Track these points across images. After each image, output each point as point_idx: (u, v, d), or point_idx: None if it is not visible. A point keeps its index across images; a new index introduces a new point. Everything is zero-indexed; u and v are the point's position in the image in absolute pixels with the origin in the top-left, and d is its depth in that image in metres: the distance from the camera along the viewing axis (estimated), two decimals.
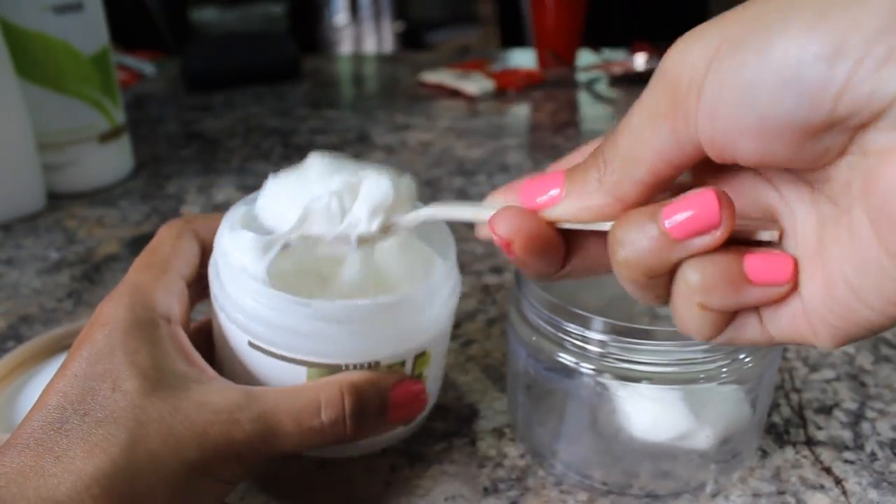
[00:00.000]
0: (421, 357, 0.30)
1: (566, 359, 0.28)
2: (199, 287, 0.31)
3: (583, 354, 0.28)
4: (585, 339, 0.27)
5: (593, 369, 0.28)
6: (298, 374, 0.28)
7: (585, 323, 0.27)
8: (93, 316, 0.28)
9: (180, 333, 0.28)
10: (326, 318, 0.27)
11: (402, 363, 0.29)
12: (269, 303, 0.27)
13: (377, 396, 0.27)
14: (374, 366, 0.28)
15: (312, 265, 0.32)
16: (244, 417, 0.25)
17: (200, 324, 0.34)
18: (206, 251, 0.31)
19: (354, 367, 0.28)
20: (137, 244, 0.55)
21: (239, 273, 0.28)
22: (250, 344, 0.28)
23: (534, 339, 0.29)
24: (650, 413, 0.28)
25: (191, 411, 0.24)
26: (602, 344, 0.27)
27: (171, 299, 0.28)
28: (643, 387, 0.27)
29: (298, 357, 0.28)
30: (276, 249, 0.28)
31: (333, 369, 0.28)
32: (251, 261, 0.27)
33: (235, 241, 0.28)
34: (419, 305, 0.28)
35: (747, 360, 0.27)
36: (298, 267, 0.32)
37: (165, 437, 0.23)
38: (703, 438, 0.28)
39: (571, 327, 0.28)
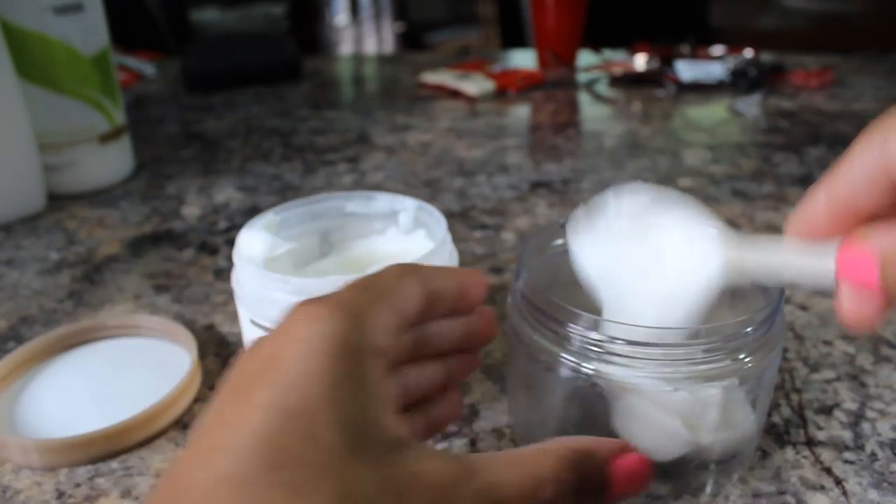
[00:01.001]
0: None
1: (566, 359, 0.28)
2: (411, 343, 0.26)
3: (583, 354, 0.28)
4: (585, 339, 0.27)
5: (593, 369, 0.28)
6: None
7: (585, 323, 0.27)
8: (283, 323, 0.22)
9: (388, 376, 0.23)
10: (304, 293, 0.30)
11: None
12: (261, 282, 0.32)
13: (598, 469, 0.23)
14: None
15: (351, 266, 0.38)
16: (462, 495, 0.20)
17: None
18: (429, 303, 0.26)
19: None
20: (138, 245, 0.55)
21: (245, 261, 0.33)
22: (251, 322, 0.33)
23: (534, 338, 0.29)
24: (651, 430, 0.28)
25: (403, 487, 0.20)
26: (602, 344, 0.27)
27: (387, 329, 0.23)
28: (643, 389, 0.27)
29: None
30: (282, 249, 0.34)
31: None
32: (256, 252, 0.34)
33: (249, 236, 0.34)
34: None
35: (747, 360, 0.27)
36: (339, 268, 0.38)
37: None
38: (704, 438, 0.28)
39: (571, 327, 0.27)
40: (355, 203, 0.39)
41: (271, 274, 0.31)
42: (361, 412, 0.21)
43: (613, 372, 0.27)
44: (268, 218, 0.37)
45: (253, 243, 0.34)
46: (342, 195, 0.39)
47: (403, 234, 0.39)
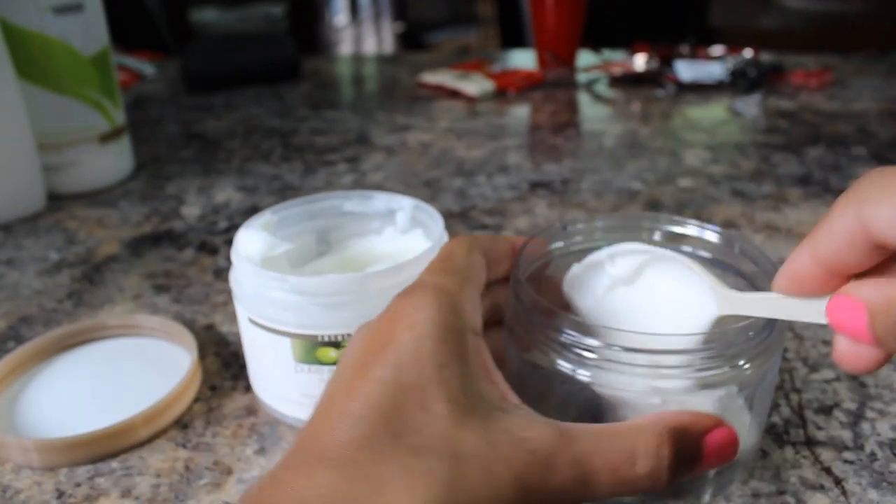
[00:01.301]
0: None
1: (562, 365, 0.27)
2: (490, 308, 0.30)
3: (579, 361, 0.27)
4: (581, 346, 0.27)
5: (589, 376, 0.27)
6: (285, 346, 0.32)
7: (582, 329, 0.27)
8: (390, 311, 0.25)
9: (485, 349, 0.26)
10: (300, 292, 0.31)
11: None
12: (259, 281, 0.32)
13: (693, 443, 0.25)
14: (347, 338, 0.31)
15: (349, 265, 0.38)
16: (561, 461, 0.22)
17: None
18: (490, 266, 0.29)
19: (330, 339, 0.31)
20: (137, 245, 0.55)
21: (243, 260, 0.33)
22: (249, 320, 0.33)
23: (529, 343, 0.29)
24: None
25: (508, 449, 0.22)
26: (597, 350, 0.27)
27: (475, 309, 0.26)
28: (640, 395, 0.27)
29: (281, 329, 0.32)
30: (279, 249, 0.34)
31: (312, 340, 0.31)
32: (254, 251, 0.34)
33: (248, 235, 0.34)
34: (392, 283, 0.31)
35: (746, 366, 0.27)
36: (336, 267, 0.38)
37: (485, 478, 0.21)
38: None
39: (567, 333, 0.27)
40: (353, 202, 0.39)
41: (269, 272, 0.31)
42: (466, 386, 0.23)
43: (609, 379, 0.27)
44: (265, 217, 0.37)
45: (251, 242, 0.34)
46: (340, 194, 0.39)
47: (401, 234, 0.39)
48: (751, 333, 0.27)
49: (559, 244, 0.34)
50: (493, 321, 0.30)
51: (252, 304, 0.33)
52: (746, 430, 0.29)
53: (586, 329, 0.27)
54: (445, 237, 0.36)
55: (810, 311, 0.24)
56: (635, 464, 0.23)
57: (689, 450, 0.24)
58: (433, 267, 0.27)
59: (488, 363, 0.25)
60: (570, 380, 0.27)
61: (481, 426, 0.22)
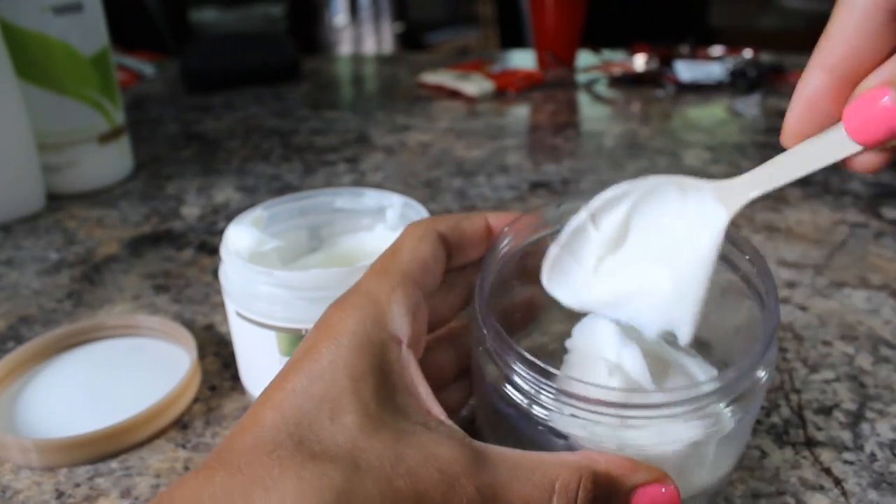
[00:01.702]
0: None
1: (517, 396, 0.25)
2: (452, 294, 0.30)
3: (535, 399, 0.25)
4: (539, 388, 0.24)
5: (544, 416, 0.24)
6: (270, 339, 0.33)
7: (539, 372, 0.24)
8: (320, 320, 0.25)
9: (409, 360, 0.25)
10: (286, 286, 0.31)
11: None
12: (246, 275, 0.32)
13: (617, 495, 0.23)
14: None
15: (339, 261, 0.38)
16: (468, 485, 0.21)
17: (449, 331, 0.31)
18: (453, 252, 0.29)
19: None
20: (137, 245, 0.55)
21: (232, 255, 0.33)
22: (237, 314, 0.33)
23: (489, 369, 0.26)
24: None
25: (415, 464, 0.21)
26: (554, 395, 0.24)
27: (405, 316, 0.25)
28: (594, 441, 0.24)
29: (267, 322, 0.32)
30: (269, 245, 0.35)
31: (296, 334, 0.32)
32: (243, 246, 0.34)
33: (237, 232, 0.35)
34: None
35: (713, 424, 0.24)
36: (326, 264, 0.38)
37: (384, 491, 0.21)
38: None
39: (523, 375, 0.25)
40: (343, 199, 0.40)
41: (255, 267, 0.32)
42: (383, 399, 0.23)
43: (563, 423, 0.24)
44: (256, 213, 0.37)
45: (240, 238, 0.35)
46: (331, 191, 0.40)
47: (391, 231, 0.39)
48: (716, 387, 0.23)
49: (544, 232, 0.30)
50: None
51: (239, 297, 0.33)
52: (709, 465, 0.26)
53: (543, 372, 0.24)
54: None
55: (831, 146, 0.22)
56: (549, 500, 0.22)
57: (611, 501, 0.23)
58: (375, 265, 0.27)
59: (412, 376, 0.24)
60: (523, 412, 0.25)
61: (391, 438, 0.22)
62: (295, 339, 0.32)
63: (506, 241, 0.30)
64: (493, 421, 0.28)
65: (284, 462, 0.21)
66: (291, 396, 0.22)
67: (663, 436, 0.24)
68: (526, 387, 0.25)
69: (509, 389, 0.25)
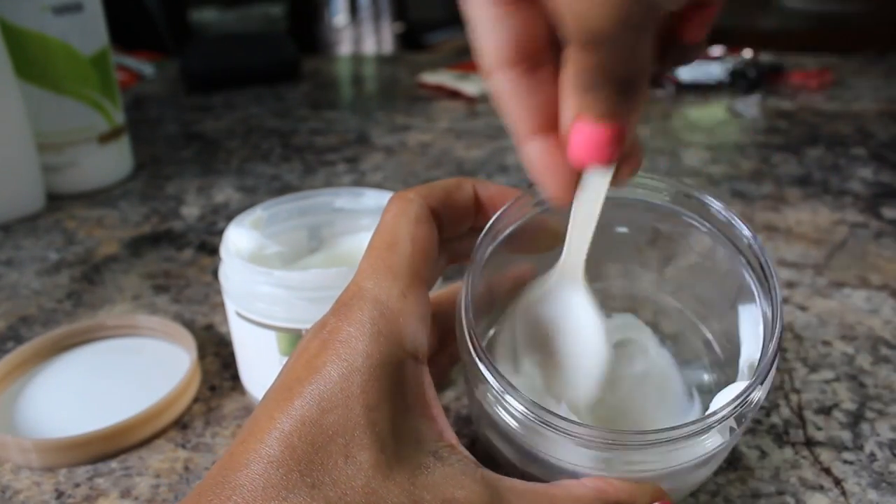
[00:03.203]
0: None
1: (500, 413, 0.25)
2: (436, 265, 0.26)
3: (514, 418, 0.24)
4: (518, 410, 0.24)
5: (524, 436, 0.24)
6: (270, 339, 0.33)
7: (517, 396, 0.24)
8: (324, 333, 0.23)
9: (424, 376, 0.23)
10: (285, 286, 0.31)
11: None
12: (246, 275, 0.32)
13: None
14: None
15: (340, 262, 0.38)
16: None
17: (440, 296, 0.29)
18: (443, 226, 0.26)
19: None
20: (137, 245, 0.55)
21: (232, 255, 0.33)
22: (237, 314, 0.34)
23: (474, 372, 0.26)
24: None
25: None
26: (537, 419, 0.23)
27: (419, 327, 0.23)
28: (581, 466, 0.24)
29: (267, 322, 0.32)
30: (270, 250, 0.35)
31: (295, 334, 0.32)
32: (243, 246, 0.35)
33: (238, 234, 0.35)
34: None
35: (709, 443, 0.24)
36: (326, 264, 0.38)
37: None
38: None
39: (501, 396, 0.24)
40: (343, 199, 0.40)
41: (255, 267, 0.32)
42: (398, 426, 0.21)
43: (546, 447, 0.24)
44: (256, 213, 0.37)
45: (240, 239, 0.35)
46: (330, 191, 0.40)
47: None
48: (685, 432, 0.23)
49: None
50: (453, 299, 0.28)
51: (239, 297, 0.33)
52: (700, 473, 0.27)
53: (521, 397, 0.24)
54: None
55: (594, 187, 0.24)
56: None
57: None
58: (375, 263, 0.24)
59: (427, 395, 0.23)
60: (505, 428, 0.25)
61: (408, 480, 0.20)
62: (294, 339, 0.32)
63: (488, 249, 0.29)
64: (489, 430, 0.28)
65: None
66: (302, 428, 0.20)
67: (664, 462, 0.24)
68: (519, 418, 0.24)
69: (502, 414, 0.25)
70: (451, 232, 0.27)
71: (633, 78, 0.20)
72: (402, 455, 0.21)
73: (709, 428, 0.23)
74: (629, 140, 0.22)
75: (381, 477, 0.20)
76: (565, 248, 0.26)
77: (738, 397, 0.24)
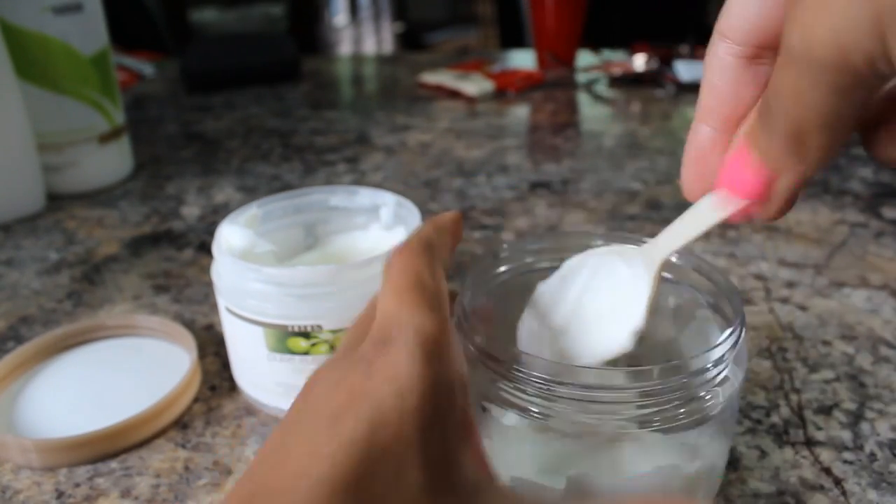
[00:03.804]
0: None
1: (512, 401, 0.25)
2: None
3: (530, 400, 0.25)
4: (534, 383, 0.24)
5: (543, 412, 0.25)
6: (257, 334, 0.33)
7: (533, 366, 0.25)
8: (363, 361, 0.21)
9: (470, 407, 0.23)
10: (273, 282, 0.32)
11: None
12: (235, 271, 0.33)
13: None
14: (316, 329, 0.32)
15: (334, 260, 0.39)
16: None
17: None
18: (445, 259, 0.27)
19: (300, 329, 0.32)
20: (137, 245, 0.55)
21: (224, 252, 0.34)
22: (227, 309, 0.34)
23: (477, 379, 0.26)
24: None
25: None
26: (553, 388, 0.24)
27: (461, 354, 0.23)
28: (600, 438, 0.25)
29: (254, 318, 0.33)
30: (262, 248, 0.36)
31: (282, 330, 0.32)
32: (235, 243, 0.35)
33: (230, 230, 0.35)
34: (362, 277, 0.32)
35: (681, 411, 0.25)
36: (320, 262, 0.38)
37: None
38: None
39: (517, 370, 0.25)
40: (338, 197, 0.40)
41: (244, 263, 0.32)
42: (447, 452, 0.20)
43: (571, 414, 0.25)
44: (251, 211, 0.38)
45: (232, 237, 0.35)
46: (325, 189, 0.40)
47: (385, 230, 0.39)
48: (709, 366, 0.25)
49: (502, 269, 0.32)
50: None
51: (229, 293, 0.34)
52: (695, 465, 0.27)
53: (538, 365, 0.24)
54: None
55: (722, 203, 0.23)
56: None
57: None
58: (408, 297, 0.23)
59: (471, 423, 0.22)
60: (517, 422, 0.25)
61: (456, 502, 0.20)
62: (282, 335, 0.33)
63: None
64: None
65: None
66: (348, 446, 0.19)
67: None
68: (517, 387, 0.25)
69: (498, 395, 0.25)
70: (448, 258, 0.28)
71: (811, 142, 0.19)
72: (450, 477, 0.20)
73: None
74: (776, 192, 0.21)
75: (431, 498, 0.19)
76: (654, 240, 0.26)
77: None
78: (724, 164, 0.22)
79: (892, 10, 0.16)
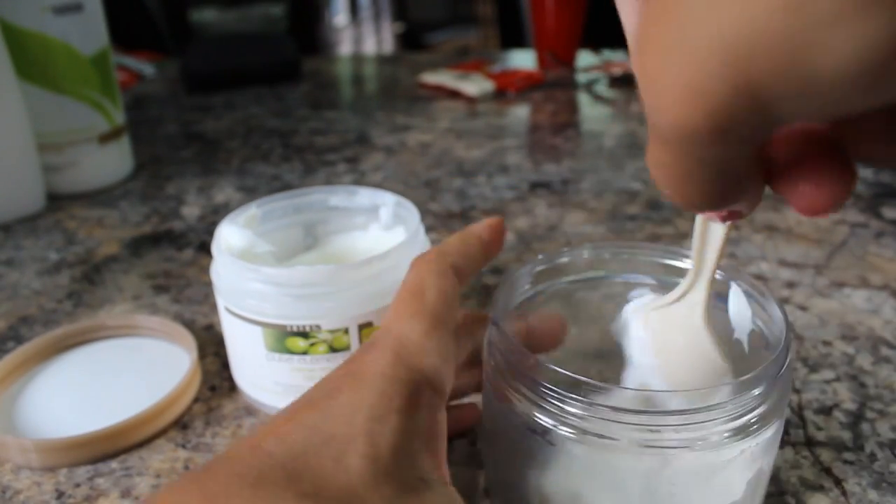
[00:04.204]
0: (368, 328, 0.33)
1: (541, 418, 0.24)
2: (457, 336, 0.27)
3: (560, 416, 0.24)
4: (564, 400, 0.23)
5: (573, 433, 0.23)
6: (256, 334, 0.33)
7: (564, 381, 0.23)
8: (348, 361, 0.24)
9: (438, 406, 0.23)
10: (271, 282, 0.32)
11: (346, 330, 0.32)
12: (234, 271, 0.33)
13: None
14: (315, 329, 0.32)
15: (334, 260, 0.39)
16: None
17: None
18: (462, 279, 0.27)
19: (298, 329, 0.32)
20: (137, 245, 0.55)
21: (223, 252, 0.34)
22: (226, 309, 0.34)
23: (505, 390, 0.25)
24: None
25: None
26: (582, 406, 0.23)
27: (442, 365, 0.24)
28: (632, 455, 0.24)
29: (252, 317, 0.33)
30: (261, 249, 0.36)
31: (281, 330, 0.32)
32: (234, 243, 0.35)
33: (230, 230, 0.36)
34: (360, 277, 0.32)
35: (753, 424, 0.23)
36: (320, 262, 0.38)
37: None
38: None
39: (547, 387, 0.24)
40: (338, 197, 0.40)
41: (243, 263, 0.32)
42: (397, 447, 0.21)
43: (592, 440, 0.23)
44: (251, 211, 0.38)
45: (231, 237, 0.36)
46: (325, 189, 0.40)
47: (384, 230, 0.39)
48: (755, 391, 0.23)
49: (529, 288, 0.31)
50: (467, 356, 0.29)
51: (228, 293, 0.34)
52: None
53: (569, 381, 0.23)
54: (422, 231, 0.36)
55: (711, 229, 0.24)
56: None
57: None
58: (401, 307, 0.25)
59: (437, 427, 0.23)
60: (549, 435, 0.24)
61: (394, 495, 0.20)
62: (280, 335, 0.33)
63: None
64: (501, 443, 0.27)
65: (268, 497, 0.19)
66: (299, 429, 0.21)
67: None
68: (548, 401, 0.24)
69: (529, 404, 0.24)
70: (467, 279, 0.29)
71: (726, 201, 0.17)
72: (394, 472, 0.20)
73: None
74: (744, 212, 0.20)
75: (367, 486, 0.20)
76: (686, 280, 0.26)
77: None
78: None
79: (752, 42, 0.12)
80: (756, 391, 0.23)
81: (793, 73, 0.12)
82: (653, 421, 0.23)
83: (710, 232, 0.25)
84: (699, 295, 0.26)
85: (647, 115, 0.15)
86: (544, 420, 0.24)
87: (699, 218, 0.24)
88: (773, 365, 0.24)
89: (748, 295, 0.29)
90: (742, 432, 0.23)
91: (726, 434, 0.23)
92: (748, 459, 0.24)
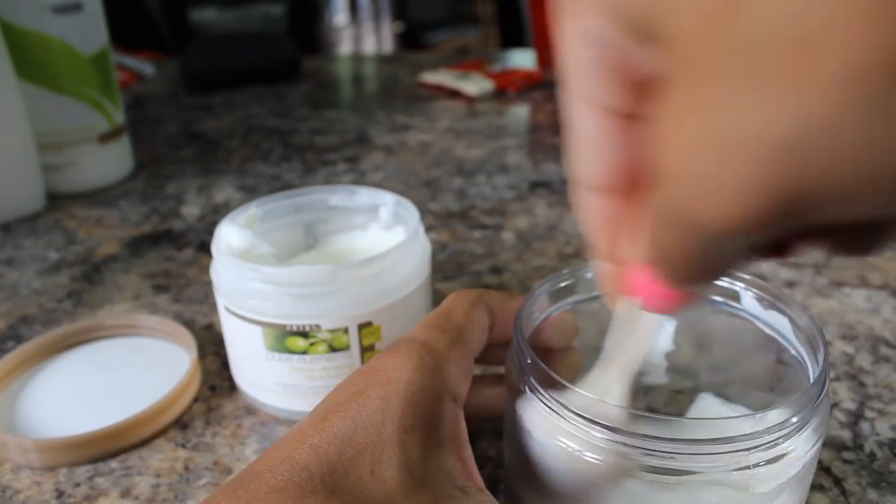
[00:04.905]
0: (367, 328, 0.33)
1: (565, 443, 0.23)
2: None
3: (587, 441, 0.22)
4: (589, 426, 0.22)
5: (599, 458, 0.22)
6: (256, 334, 0.33)
7: (590, 407, 0.22)
8: (372, 362, 0.24)
9: (461, 418, 0.24)
10: (271, 281, 0.32)
11: (346, 330, 0.32)
12: (234, 271, 0.33)
13: None
14: (315, 328, 0.32)
15: (334, 260, 0.39)
16: None
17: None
18: (495, 328, 0.28)
19: (298, 328, 0.32)
20: (137, 244, 0.55)
21: (223, 251, 0.34)
22: (226, 309, 0.34)
23: (530, 410, 0.24)
24: None
25: None
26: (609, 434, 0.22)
27: (461, 373, 0.25)
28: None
29: (252, 317, 0.33)
30: (261, 250, 0.36)
31: (281, 329, 0.32)
32: (234, 243, 0.35)
33: (230, 230, 0.36)
34: (360, 276, 0.32)
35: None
36: (320, 262, 0.38)
37: None
38: None
39: (573, 412, 0.22)
40: (338, 196, 0.40)
41: (243, 262, 0.32)
42: (428, 456, 0.21)
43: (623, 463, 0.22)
44: (251, 210, 0.38)
45: (231, 237, 0.36)
46: (325, 188, 0.40)
47: (384, 229, 0.39)
48: (794, 419, 0.22)
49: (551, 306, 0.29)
50: (493, 381, 0.29)
51: (227, 293, 0.34)
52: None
53: (596, 407, 0.22)
54: (421, 231, 0.36)
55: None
56: None
57: None
58: (429, 321, 0.26)
59: (461, 436, 0.23)
60: (572, 458, 0.23)
61: (430, 502, 0.20)
62: (280, 335, 0.33)
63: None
64: (527, 465, 0.26)
65: None
66: (331, 439, 0.21)
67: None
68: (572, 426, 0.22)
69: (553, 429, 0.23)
70: (501, 335, 0.28)
71: (721, 273, 0.17)
72: (429, 482, 0.21)
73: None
74: (697, 295, 0.20)
75: (403, 495, 0.20)
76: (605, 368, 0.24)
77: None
78: (629, 280, 0.20)
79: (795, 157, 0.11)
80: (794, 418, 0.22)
81: (859, 174, 0.11)
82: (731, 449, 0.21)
83: (644, 319, 0.23)
84: (616, 390, 0.24)
85: (657, 203, 0.15)
86: (568, 444, 0.23)
87: (627, 305, 0.22)
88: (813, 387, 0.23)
89: (774, 306, 0.28)
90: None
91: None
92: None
